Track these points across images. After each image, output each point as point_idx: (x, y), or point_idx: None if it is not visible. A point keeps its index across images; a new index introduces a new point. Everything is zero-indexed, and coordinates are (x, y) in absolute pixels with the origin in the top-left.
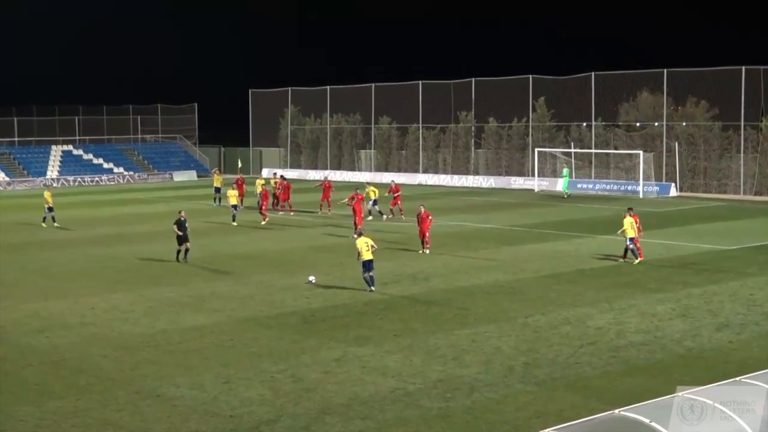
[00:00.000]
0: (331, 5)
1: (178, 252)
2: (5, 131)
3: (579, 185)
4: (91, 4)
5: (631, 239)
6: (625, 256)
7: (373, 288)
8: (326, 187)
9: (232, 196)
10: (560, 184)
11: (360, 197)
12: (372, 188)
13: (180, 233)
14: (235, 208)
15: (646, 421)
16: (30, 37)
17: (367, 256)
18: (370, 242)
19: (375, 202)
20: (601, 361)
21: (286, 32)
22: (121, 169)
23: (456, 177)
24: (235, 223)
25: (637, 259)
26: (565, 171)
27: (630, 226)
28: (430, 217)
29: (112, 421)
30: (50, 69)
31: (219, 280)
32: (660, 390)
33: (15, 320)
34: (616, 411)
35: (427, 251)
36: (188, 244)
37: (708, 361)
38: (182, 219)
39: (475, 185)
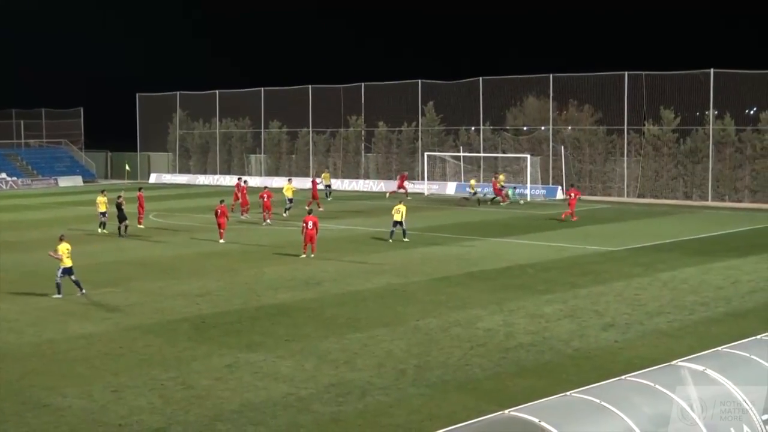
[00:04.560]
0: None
1: (119, 228)
2: None
3: (467, 189)
4: None
5: (396, 222)
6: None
7: (84, 292)
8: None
9: (102, 203)
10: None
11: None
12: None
13: (119, 214)
14: (103, 216)
15: (536, 420)
16: None
17: (67, 263)
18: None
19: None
20: (491, 363)
21: (176, 36)
22: (4, 175)
23: (347, 181)
24: (104, 231)
25: (390, 239)
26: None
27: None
28: (312, 222)
29: None
30: None
31: (107, 287)
32: (549, 390)
33: None
34: (506, 411)
35: (312, 255)
36: (126, 222)
37: (595, 361)
38: (120, 202)
39: (365, 189)
